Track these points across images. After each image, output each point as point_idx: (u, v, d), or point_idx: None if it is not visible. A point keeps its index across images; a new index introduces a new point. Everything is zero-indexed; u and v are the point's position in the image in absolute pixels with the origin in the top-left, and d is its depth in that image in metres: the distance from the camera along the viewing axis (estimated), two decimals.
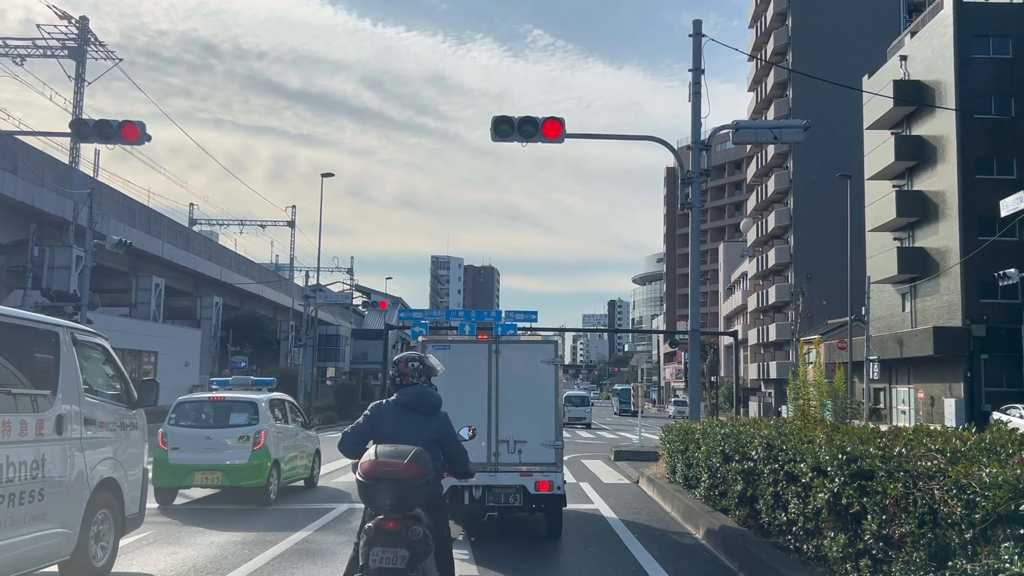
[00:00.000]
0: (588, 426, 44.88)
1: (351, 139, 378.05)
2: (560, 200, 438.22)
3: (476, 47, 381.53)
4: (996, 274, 30.72)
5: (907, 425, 11.86)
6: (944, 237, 38.53)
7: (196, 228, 60.38)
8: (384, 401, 5.39)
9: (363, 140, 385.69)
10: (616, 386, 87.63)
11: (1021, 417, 26.47)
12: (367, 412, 5.28)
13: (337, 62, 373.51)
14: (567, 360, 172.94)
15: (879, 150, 43.53)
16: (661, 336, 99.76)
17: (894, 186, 42.55)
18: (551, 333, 31.36)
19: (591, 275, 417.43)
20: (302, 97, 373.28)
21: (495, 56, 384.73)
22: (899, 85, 41.74)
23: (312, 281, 48.79)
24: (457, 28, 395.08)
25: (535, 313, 32.95)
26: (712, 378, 63.67)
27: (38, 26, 35.49)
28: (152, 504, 11.35)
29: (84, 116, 33.23)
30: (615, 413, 73.21)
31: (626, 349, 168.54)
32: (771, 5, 65.28)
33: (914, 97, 40.39)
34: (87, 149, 40.70)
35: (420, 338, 10.22)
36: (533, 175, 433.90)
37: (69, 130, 17.57)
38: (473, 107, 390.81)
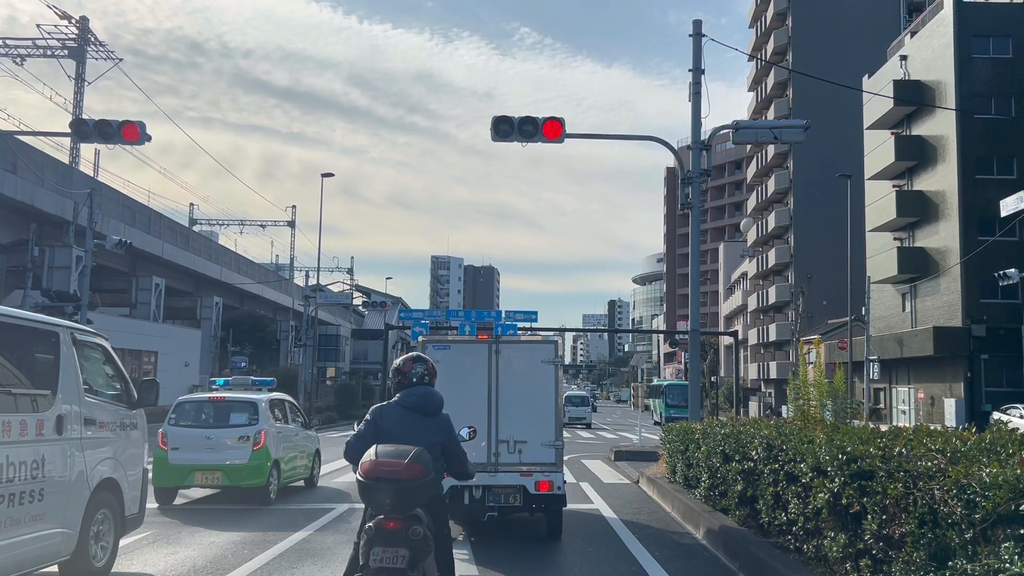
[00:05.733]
0: (588, 426, 44.88)
1: (341, 138, 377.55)
2: (553, 199, 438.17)
3: (463, 45, 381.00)
4: (996, 274, 30.72)
5: (907, 425, 11.86)
6: (944, 237, 38.53)
7: (196, 228, 60.44)
8: (385, 403, 5.39)
9: (353, 139, 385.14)
10: (661, 381, 57.53)
11: (1021, 417, 26.47)
12: (368, 417, 5.27)
13: (324, 60, 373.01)
14: (567, 360, 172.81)
15: (879, 150, 43.53)
16: (661, 336, 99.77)
17: (894, 186, 42.54)
18: (551, 333, 31.34)
19: (591, 275, 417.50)
20: (291, 95, 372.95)
21: (483, 54, 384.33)
22: (899, 85, 41.74)
23: (312, 281, 48.83)
24: (444, 26, 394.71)
25: (535, 313, 32.96)
26: (712, 378, 63.61)
27: (38, 26, 35.61)
28: (152, 504, 11.35)
29: (80, 116, 33.24)
30: (657, 423, 46.67)
31: (626, 349, 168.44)
32: (771, 5, 65.27)
33: (914, 97, 40.39)
34: (87, 149, 40.75)
35: (420, 338, 10.22)
36: (525, 174, 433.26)
37: (69, 129, 17.58)
38: (462, 105, 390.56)
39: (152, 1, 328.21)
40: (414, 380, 5.34)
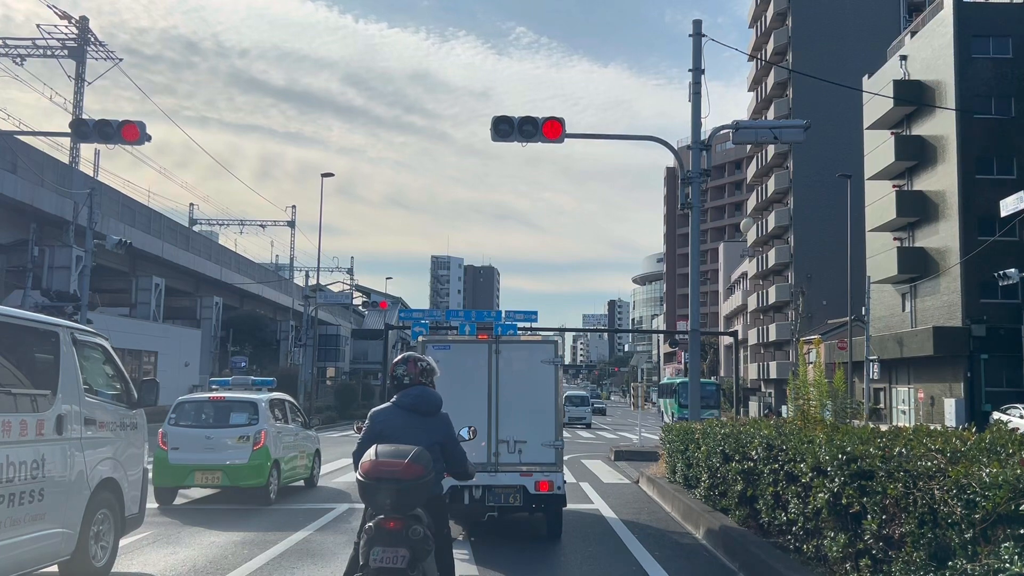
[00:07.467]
0: (588, 426, 44.91)
1: (338, 137, 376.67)
2: (551, 199, 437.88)
3: (459, 44, 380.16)
4: (996, 274, 30.72)
5: (907, 425, 11.86)
6: (944, 237, 38.53)
7: (196, 228, 60.45)
8: (383, 405, 5.41)
9: (350, 139, 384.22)
10: (673, 379, 54.61)
11: (1021, 417, 26.48)
12: (367, 422, 5.29)
13: (320, 59, 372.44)
14: (567, 360, 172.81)
15: (879, 150, 43.53)
16: (661, 336, 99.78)
17: (894, 186, 42.55)
18: (551, 333, 31.33)
19: (590, 275, 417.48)
20: (287, 95, 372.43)
21: (479, 54, 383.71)
22: (899, 85, 41.74)
23: (312, 281, 48.82)
24: (440, 25, 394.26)
25: (535, 313, 33.03)
26: (712, 378, 63.63)
27: (38, 26, 35.57)
28: (152, 504, 11.35)
29: (80, 116, 33.23)
30: (665, 424, 33.55)
31: (626, 349, 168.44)
32: (771, 5, 65.26)
33: (914, 97, 40.39)
34: (87, 148, 40.73)
35: (420, 338, 10.20)
36: (522, 174, 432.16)
37: (69, 129, 17.58)
38: (459, 105, 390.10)
39: (147, 0, 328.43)
40: (405, 381, 5.36)
